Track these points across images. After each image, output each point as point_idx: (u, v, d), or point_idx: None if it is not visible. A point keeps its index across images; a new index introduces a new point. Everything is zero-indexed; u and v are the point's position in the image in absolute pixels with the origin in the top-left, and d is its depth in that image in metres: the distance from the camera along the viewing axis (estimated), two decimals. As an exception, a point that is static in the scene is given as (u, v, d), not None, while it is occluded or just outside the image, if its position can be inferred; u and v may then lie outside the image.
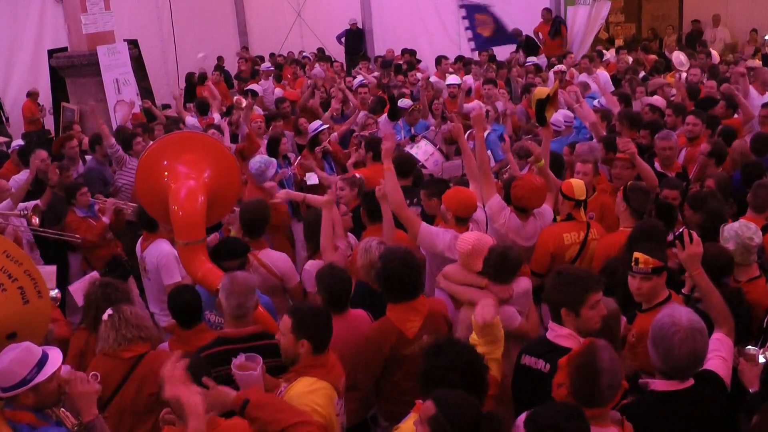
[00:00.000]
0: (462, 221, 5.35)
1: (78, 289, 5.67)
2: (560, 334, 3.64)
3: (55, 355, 3.67)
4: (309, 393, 3.55)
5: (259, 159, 7.49)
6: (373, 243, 4.96)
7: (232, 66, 17.73)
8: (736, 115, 8.66)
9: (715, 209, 5.43)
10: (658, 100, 9.32)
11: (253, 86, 12.60)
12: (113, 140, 8.44)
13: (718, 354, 3.48)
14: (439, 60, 14.06)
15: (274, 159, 7.66)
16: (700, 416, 3.28)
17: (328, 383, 3.67)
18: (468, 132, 9.03)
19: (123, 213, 7.60)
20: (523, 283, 4.80)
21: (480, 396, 3.26)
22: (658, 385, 3.31)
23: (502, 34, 14.11)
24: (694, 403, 3.27)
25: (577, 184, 5.57)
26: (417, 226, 5.23)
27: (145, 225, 6.06)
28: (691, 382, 3.28)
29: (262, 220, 5.72)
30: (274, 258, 5.60)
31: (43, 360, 3.56)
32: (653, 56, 14.18)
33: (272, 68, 14.47)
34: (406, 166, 6.88)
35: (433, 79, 12.89)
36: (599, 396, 3.00)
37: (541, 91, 6.89)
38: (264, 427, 3.18)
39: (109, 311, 4.28)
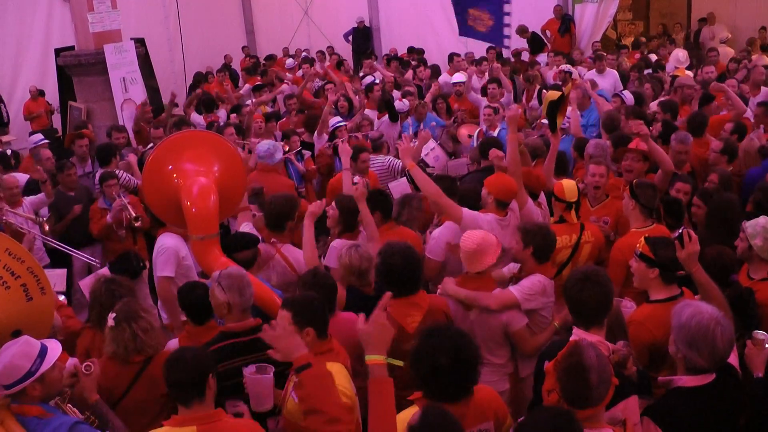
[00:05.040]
0: (502, 205, 5.44)
1: (88, 284, 5.68)
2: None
3: (54, 345, 3.73)
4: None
5: (268, 142, 7.62)
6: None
7: (238, 65, 17.78)
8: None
9: (722, 201, 5.41)
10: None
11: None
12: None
13: None
14: (451, 57, 13.98)
15: (280, 143, 7.72)
16: (727, 408, 3.30)
17: (342, 365, 3.72)
18: (477, 131, 9.01)
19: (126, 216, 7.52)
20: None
21: (467, 385, 3.26)
22: (687, 381, 3.31)
23: (492, 35, 13.85)
24: (720, 396, 3.29)
25: (568, 186, 5.50)
26: (459, 211, 5.31)
27: (156, 220, 6.15)
28: (713, 375, 3.29)
29: (288, 215, 5.71)
30: (296, 254, 5.56)
31: (44, 350, 3.62)
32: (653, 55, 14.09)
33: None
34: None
35: (444, 77, 12.86)
36: (591, 395, 2.97)
37: (553, 94, 6.69)
38: (307, 398, 3.16)
39: (111, 322, 4.20)
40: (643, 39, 16.63)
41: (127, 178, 7.96)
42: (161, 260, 5.87)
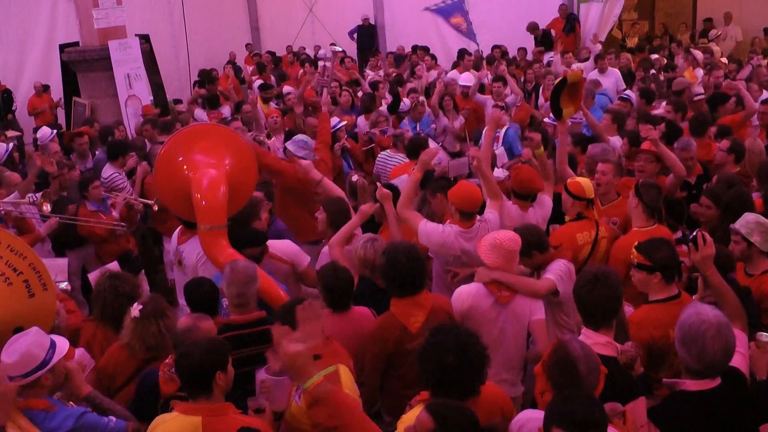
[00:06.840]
0: (467, 216, 5.20)
1: (96, 277, 5.67)
2: (598, 342, 3.51)
3: (61, 340, 3.78)
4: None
5: (303, 136, 7.30)
6: (361, 240, 4.97)
7: (243, 62, 17.79)
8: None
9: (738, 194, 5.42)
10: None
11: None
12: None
13: (738, 350, 3.44)
14: (462, 55, 13.94)
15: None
16: (730, 414, 3.27)
17: (345, 366, 3.73)
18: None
19: (134, 209, 7.55)
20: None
21: (474, 384, 3.24)
22: (690, 385, 3.29)
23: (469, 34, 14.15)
24: (724, 401, 3.26)
25: (586, 184, 5.48)
26: (417, 222, 5.26)
27: (185, 221, 5.80)
28: (718, 380, 3.27)
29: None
30: (279, 246, 5.55)
31: (54, 342, 3.68)
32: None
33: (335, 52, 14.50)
34: None
35: (452, 74, 12.84)
36: (582, 386, 2.98)
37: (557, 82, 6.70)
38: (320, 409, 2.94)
39: (136, 313, 4.18)
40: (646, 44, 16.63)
41: (123, 183, 7.89)
42: (206, 266, 5.45)
